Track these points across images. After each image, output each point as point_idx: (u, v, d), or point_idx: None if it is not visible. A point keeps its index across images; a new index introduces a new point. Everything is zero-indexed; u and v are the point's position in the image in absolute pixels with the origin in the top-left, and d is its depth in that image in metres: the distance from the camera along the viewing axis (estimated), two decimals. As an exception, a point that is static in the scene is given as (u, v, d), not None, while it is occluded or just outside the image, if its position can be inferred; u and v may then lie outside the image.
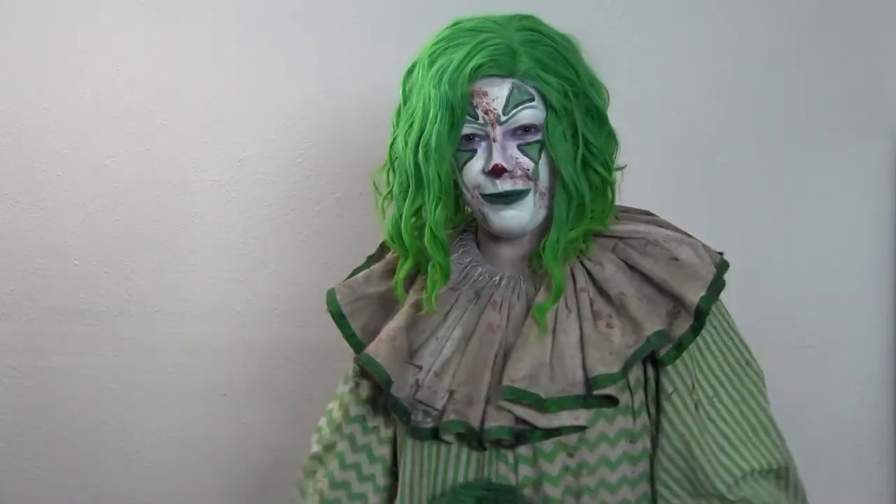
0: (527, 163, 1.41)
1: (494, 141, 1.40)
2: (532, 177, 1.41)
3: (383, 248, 1.59)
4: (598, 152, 1.45)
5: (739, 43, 2.09)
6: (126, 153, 2.08)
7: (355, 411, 1.58)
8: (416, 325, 1.48)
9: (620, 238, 1.50)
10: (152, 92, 2.07)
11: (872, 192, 2.12)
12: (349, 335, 1.53)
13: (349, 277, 1.57)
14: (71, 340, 2.11)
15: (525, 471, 1.43)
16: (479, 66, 1.39)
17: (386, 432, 1.57)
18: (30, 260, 2.10)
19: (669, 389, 1.46)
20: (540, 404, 1.40)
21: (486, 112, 1.40)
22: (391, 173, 1.49)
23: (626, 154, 1.55)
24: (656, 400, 1.47)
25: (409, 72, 1.46)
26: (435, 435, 1.45)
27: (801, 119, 2.11)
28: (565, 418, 1.40)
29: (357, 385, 1.57)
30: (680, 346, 1.43)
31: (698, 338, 1.45)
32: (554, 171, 1.43)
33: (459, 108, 1.39)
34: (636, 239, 1.49)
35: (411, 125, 1.43)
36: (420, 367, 1.46)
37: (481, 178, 1.42)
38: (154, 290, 2.11)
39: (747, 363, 1.50)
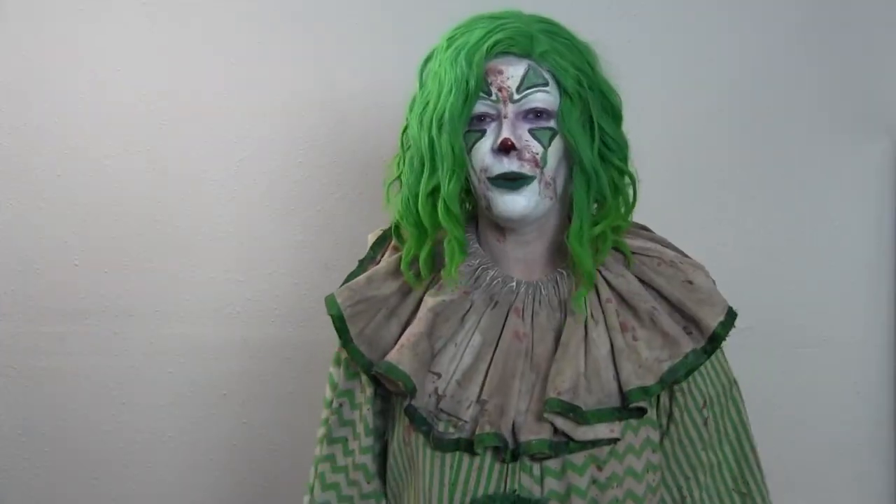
0: (536, 146, 1.40)
1: (505, 118, 1.40)
2: (540, 163, 1.40)
3: (375, 250, 1.56)
4: (615, 146, 1.45)
5: (739, 43, 2.09)
6: (126, 153, 2.08)
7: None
8: (433, 331, 1.45)
9: (633, 253, 1.50)
10: (152, 92, 2.07)
11: (872, 192, 2.12)
12: (347, 343, 1.48)
13: (345, 283, 1.53)
14: (71, 340, 2.11)
15: (551, 484, 1.41)
16: (496, 43, 1.40)
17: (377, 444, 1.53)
18: (30, 260, 2.10)
19: (683, 403, 1.49)
20: (582, 416, 1.39)
21: (499, 89, 1.40)
22: (401, 160, 1.48)
23: (627, 154, 1.55)
24: (669, 413, 1.49)
25: (427, 60, 1.47)
26: (458, 446, 1.43)
27: (801, 119, 2.11)
28: (601, 431, 1.40)
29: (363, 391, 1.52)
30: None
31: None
32: (563, 163, 1.43)
33: (474, 82, 1.39)
34: (650, 256, 1.50)
35: (426, 105, 1.42)
36: (438, 375, 1.43)
37: (489, 160, 1.41)
38: (154, 290, 2.10)
39: (734, 381, 1.54)
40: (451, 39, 1.44)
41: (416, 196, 1.44)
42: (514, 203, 1.41)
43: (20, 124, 2.08)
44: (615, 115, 1.47)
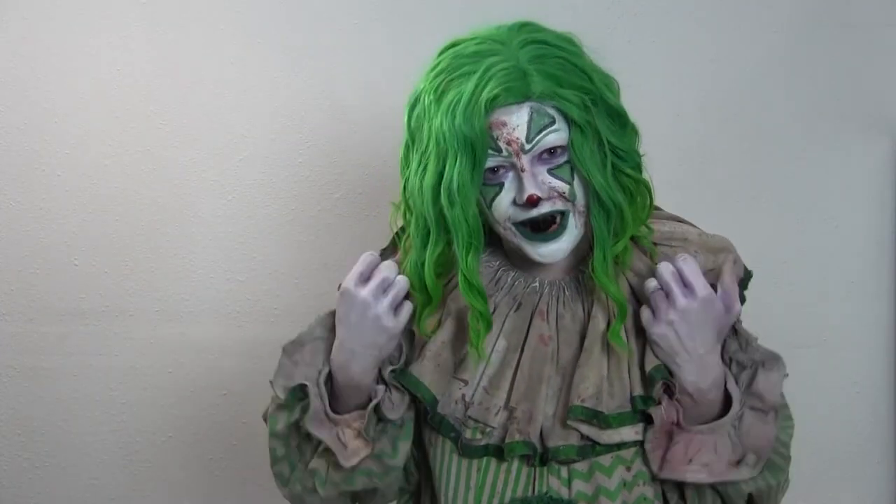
0: (561, 186, 1.34)
1: (523, 171, 1.33)
2: (570, 198, 1.35)
3: (396, 243, 1.50)
4: (625, 155, 1.39)
5: (739, 43, 2.09)
6: (126, 153, 2.08)
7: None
8: (458, 336, 1.42)
9: (656, 244, 1.45)
10: (152, 92, 2.07)
11: (872, 192, 2.12)
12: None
13: None
14: (71, 340, 2.11)
15: (579, 486, 1.40)
16: (493, 98, 1.30)
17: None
18: (30, 260, 2.10)
19: None
20: (605, 421, 1.37)
21: (508, 143, 1.32)
22: (408, 212, 1.41)
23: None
24: None
25: (413, 105, 1.37)
26: (487, 451, 1.41)
27: (801, 119, 2.11)
28: (626, 433, 1.39)
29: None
30: None
31: None
32: (588, 188, 1.37)
33: (480, 144, 1.30)
34: (671, 246, 1.45)
35: (426, 167, 1.34)
36: (465, 382, 1.41)
37: (512, 209, 1.35)
38: (154, 290, 2.11)
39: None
40: (437, 89, 1.33)
41: (423, 263, 1.38)
42: (552, 253, 1.37)
43: (20, 124, 2.08)
44: (621, 119, 1.39)
